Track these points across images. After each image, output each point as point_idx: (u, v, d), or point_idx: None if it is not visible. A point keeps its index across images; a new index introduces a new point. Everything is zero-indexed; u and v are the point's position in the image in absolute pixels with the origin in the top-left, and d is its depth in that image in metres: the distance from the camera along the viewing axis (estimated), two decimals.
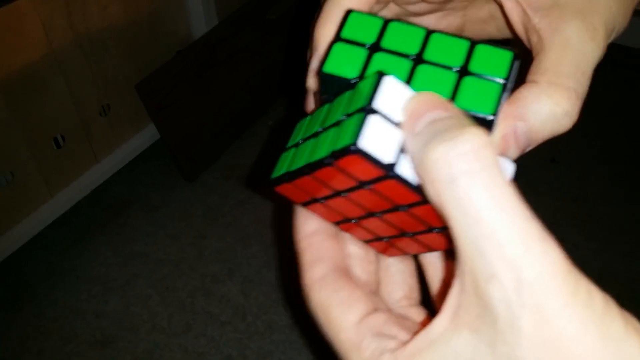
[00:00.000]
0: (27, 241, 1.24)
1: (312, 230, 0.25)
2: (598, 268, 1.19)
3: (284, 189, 0.24)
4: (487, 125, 0.21)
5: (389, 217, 0.22)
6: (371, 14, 0.24)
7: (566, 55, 0.22)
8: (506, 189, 0.16)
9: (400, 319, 0.22)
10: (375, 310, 0.22)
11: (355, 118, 0.19)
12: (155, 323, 1.13)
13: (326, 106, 0.23)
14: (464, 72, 0.21)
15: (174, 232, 1.30)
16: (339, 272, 0.24)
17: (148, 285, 1.20)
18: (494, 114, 0.20)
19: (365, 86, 0.20)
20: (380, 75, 0.20)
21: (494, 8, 0.28)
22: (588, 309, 0.15)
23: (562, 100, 0.22)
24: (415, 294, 0.27)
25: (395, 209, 0.21)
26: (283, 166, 0.24)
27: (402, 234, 0.23)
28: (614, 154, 1.45)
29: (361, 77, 0.22)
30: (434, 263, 0.27)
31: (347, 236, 0.26)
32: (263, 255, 1.24)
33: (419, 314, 0.26)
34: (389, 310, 0.23)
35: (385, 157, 0.19)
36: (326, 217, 0.25)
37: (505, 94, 0.21)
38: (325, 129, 0.21)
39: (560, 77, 0.22)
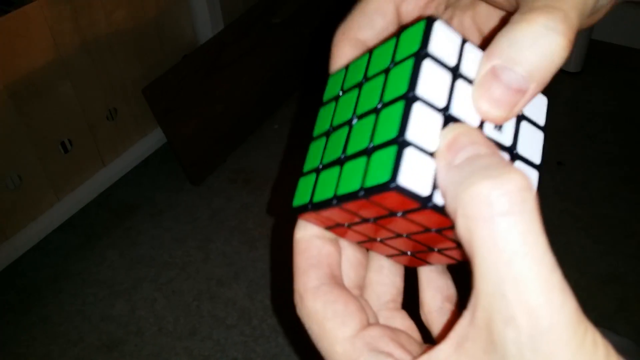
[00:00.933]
0: (34, 245, 1.25)
1: (311, 233, 0.25)
2: (604, 270, 1.19)
3: (308, 217, 0.24)
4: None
5: (418, 237, 0.22)
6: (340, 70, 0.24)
7: None
8: (539, 237, 0.16)
9: (393, 332, 0.22)
10: (369, 324, 0.22)
11: (389, 151, 0.18)
12: (161, 326, 1.13)
13: (353, 96, 0.22)
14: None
15: (179, 235, 1.31)
16: (334, 282, 0.23)
17: (154, 289, 1.20)
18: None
19: (393, 113, 0.19)
20: (410, 99, 0.19)
21: None
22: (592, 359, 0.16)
23: (554, 21, 0.18)
24: (400, 298, 0.27)
25: (426, 231, 0.21)
26: (305, 194, 0.23)
27: (430, 249, 0.23)
28: (619, 156, 1.45)
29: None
30: (433, 279, 0.26)
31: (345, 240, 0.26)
32: (269, 259, 1.24)
33: (403, 319, 0.26)
34: (382, 324, 0.23)
35: (423, 191, 0.18)
36: (350, 238, 0.25)
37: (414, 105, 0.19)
38: (352, 156, 0.21)
39: (538, 6, 0.19)
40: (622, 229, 1.27)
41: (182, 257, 1.26)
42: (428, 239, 0.22)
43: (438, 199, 0.19)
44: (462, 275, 0.23)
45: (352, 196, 0.20)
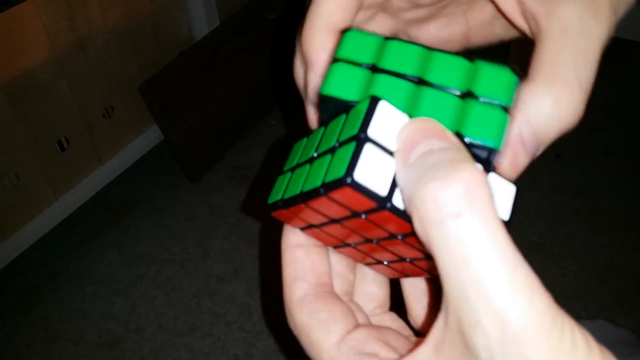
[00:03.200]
0: (32, 243, 1.25)
1: (297, 242, 0.25)
2: (604, 262, 1.19)
3: (281, 215, 0.24)
4: (492, 154, 0.20)
5: (386, 244, 0.22)
6: (369, 32, 0.22)
7: (565, 42, 0.20)
8: (495, 234, 0.15)
9: (379, 331, 0.22)
10: (355, 327, 0.22)
11: (349, 147, 0.18)
12: (162, 324, 1.13)
13: (321, 129, 0.22)
14: (468, 95, 0.20)
15: (178, 232, 1.31)
16: (319, 291, 0.23)
17: (153, 286, 1.20)
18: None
19: (359, 112, 0.19)
20: (374, 100, 0.19)
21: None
22: (570, 356, 0.15)
23: (564, 97, 0.20)
24: (388, 302, 0.27)
25: (391, 237, 0.21)
26: (279, 191, 0.23)
27: (401, 259, 0.23)
28: (618, 149, 1.45)
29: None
30: (416, 283, 0.26)
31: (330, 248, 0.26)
32: (268, 255, 1.24)
33: (392, 320, 0.26)
34: (369, 324, 0.23)
35: (380, 190, 0.18)
36: (324, 241, 0.25)
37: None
38: (319, 155, 0.21)
39: (559, 70, 0.20)
40: (622, 221, 1.27)
41: (181, 254, 1.26)
42: (396, 247, 0.22)
43: (398, 201, 0.18)
44: None
45: (314, 193, 0.19)
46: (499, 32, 0.26)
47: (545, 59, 0.20)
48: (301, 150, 0.24)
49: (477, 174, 0.16)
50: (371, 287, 0.27)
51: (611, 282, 1.16)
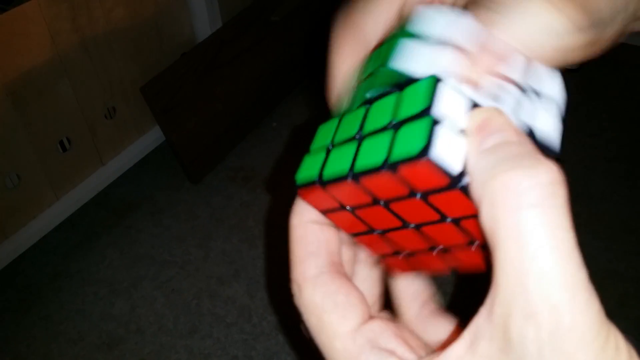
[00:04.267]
0: (33, 244, 1.25)
1: (308, 219, 0.23)
2: (604, 267, 1.19)
3: (309, 194, 0.22)
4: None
5: (428, 228, 0.21)
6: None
7: None
8: (568, 233, 0.16)
9: (397, 327, 0.21)
10: (371, 317, 0.21)
11: (420, 124, 0.18)
12: (162, 325, 1.13)
13: (361, 110, 0.22)
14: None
15: (179, 233, 1.31)
16: (335, 270, 0.22)
17: (154, 287, 1.20)
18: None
19: (418, 90, 0.19)
20: (436, 79, 0.19)
21: None
22: None
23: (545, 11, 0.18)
24: (381, 301, 0.26)
25: (441, 220, 0.20)
26: (312, 170, 0.22)
27: (431, 248, 0.22)
28: (617, 153, 1.45)
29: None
30: (407, 286, 0.26)
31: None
32: (269, 256, 1.25)
33: (388, 319, 0.25)
34: (384, 317, 0.22)
35: (454, 168, 0.18)
36: (347, 227, 0.23)
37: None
38: (370, 134, 0.20)
39: None
40: (621, 226, 1.27)
41: (182, 256, 1.26)
42: (438, 232, 0.21)
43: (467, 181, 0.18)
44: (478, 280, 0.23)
45: (374, 170, 0.19)
46: None
47: None
48: (333, 130, 0.23)
49: (559, 172, 0.16)
50: (363, 284, 0.25)
51: (611, 286, 1.16)
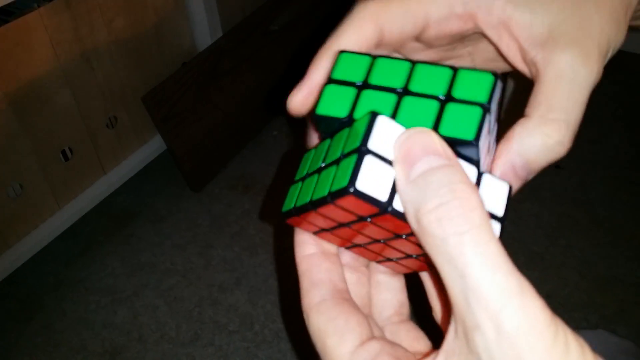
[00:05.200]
0: (35, 253, 1.25)
1: (310, 252, 0.26)
2: (604, 272, 1.19)
3: (294, 222, 0.25)
4: (469, 146, 0.21)
5: (393, 243, 0.23)
6: (360, 53, 0.25)
7: (559, 86, 0.23)
8: (490, 247, 0.18)
9: (393, 347, 0.23)
10: (370, 338, 0.23)
11: (351, 159, 0.20)
12: (164, 333, 1.14)
13: (327, 140, 0.24)
14: (447, 99, 0.22)
15: (180, 242, 1.31)
16: (337, 298, 0.24)
17: (156, 296, 1.20)
18: (476, 138, 0.21)
19: (359, 126, 0.21)
20: (374, 115, 0.21)
21: None
22: (564, 358, 0.17)
23: (554, 133, 0.23)
24: (406, 309, 0.28)
25: (396, 237, 0.22)
26: (292, 200, 0.25)
27: (408, 255, 0.24)
28: (617, 159, 1.46)
29: (351, 115, 0.23)
30: (437, 281, 0.27)
31: (343, 260, 0.27)
32: (270, 264, 1.25)
33: (408, 331, 0.27)
34: (383, 338, 0.24)
35: (381, 197, 0.20)
36: (336, 243, 0.26)
37: (489, 116, 0.22)
38: (326, 166, 0.22)
39: (552, 111, 0.23)
40: (621, 232, 1.28)
41: (183, 264, 1.27)
42: (402, 245, 0.23)
43: (398, 205, 0.20)
44: None
45: (322, 201, 0.21)
46: (502, 67, 0.28)
47: (541, 100, 0.23)
48: (310, 161, 0.25)
49: (472, 196, 0.18)
50: (385, 294, 0.28)
51: (611, 292, 1.16)
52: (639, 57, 1.70)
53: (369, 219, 0.21)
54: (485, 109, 0.21)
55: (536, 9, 0.24)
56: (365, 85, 0.23)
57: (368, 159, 0.20)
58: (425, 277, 0.27)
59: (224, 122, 1.45)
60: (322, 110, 0.23)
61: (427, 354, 0.22)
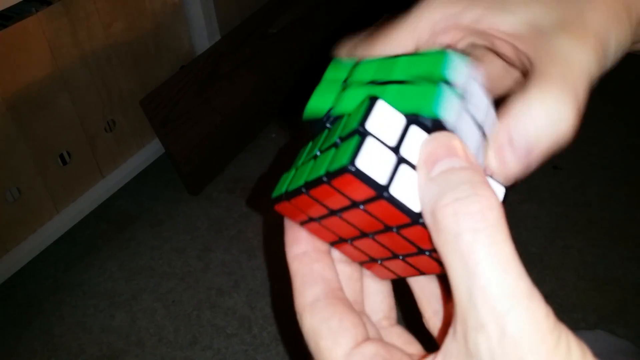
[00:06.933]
0: (34, 257, 1.25)
1: (301, 251, 0.25)
2: (602, 273, 1.20)
3: (283, 208, 0.25)
4: (437, 123, 0.21)
5: (381, 238, 0.23)
6: (346, 60, 0.26)
7: (555, 61, 0.22)
8: (504, 248, 0.17)
9: (387, 350, 0.23)
10: (365, 340, 0.22)
11: (351, 141, 0.20)
12: (162, 337, 1.14)
13: (325, 132, 0.24)
14: (410, 81, 0.22)
15: (179, 245, 1.31)
16: (330, 297, 0.24)
17: (154, 299, 1.20)
18: (439, 111, 0.20)
19: (358, 111, 0.21)
20: (373, 99, 0.21)
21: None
22: None
23: (559, 105, 0.21)
24: (394, 314, 0.27)
25: (386, 229, 0.22)
26: (283, 185, 0.24)
27: (394, 255, 0.24)
28: (615, 160, 1.46)
29: (333, 106, 0.24)
30: (425, 286, 0.27)
31: (335, 255, 0.26)
32: (268, 267, 1.25)
33: (399, 335, 0.26)
34: (378, 340, 0.23)
35: (379, 179, 0.19)
36: (322, 237, 0.25)
37: (452, 91, 0.21)
38: (322, 152, 0.22)
39: (551, 80, 0.21)
40: (619, 232, 1.28)
41: (181, 267, 1.27)
42: (392, 243, 0.23)
43: (395, 192, 0.20)
44: None
45: (317, 182, 0.21)
46: (511, 84, 0.28)
47: (536, 75, 0.22)
48: (305, 153, 0.25)
49: (492, 196, 0.18)
50: (374, 298, 0.27)
51: (610, 293, 1.16)
52: (636, 57, 1.70)
53: (361, 206, 0.21)
54: (446, 85, 0.21)
55: (516, 10, 0.23)
56: (346, 81, 0.24)
57: (369, 141, 0.20)
58: (414, 283, 0.27)
59: (222, 125, 1.45)
60: (308, 113, 0.24)
61: (422, 357, 0.22)
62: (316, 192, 0.22)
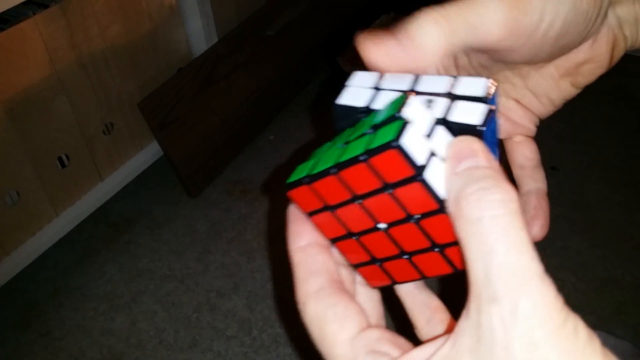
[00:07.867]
0: (33, 260, 1.25)
1: (305, 243, 0.26)
2: (601, 274, 1.20)
3: (297, 194, 0.25)
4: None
5: (395, 231, 0.23)
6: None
7: None
8: (520, 232, 0.19)
9: (392, 335, 0.23)
10: (369, 326, 0.23)
11: (392, 125, 0.21)
12: (162, 339, 1.14)
13: (347, 130, 0.25)
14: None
15: (178, 248, 1.31)
16: (334, 286, 0.24)
17: (154, 302, 1.20)
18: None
19: (393, 105, 0.22)
20: (407, 94, 0.22)
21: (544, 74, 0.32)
22: (572, 341, 0.18)
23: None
24: (383, 322, 0.28)
25: (405, 220, 0.22)
26: (302, 172, 0.25)
27: (399, 254, 0.24)
28: (612, 161, 1.46)
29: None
30: (416, 295, 0.28)
31: (335, 255, 0.27)
32: (267, 269, 1.25)
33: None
34: (381, 326, 0.24)
35: (419, 159, 0.21)
36: (327, 231, 0.26)
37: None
38: (355, 139, 0.23)
39: None
40: (618, 233, 1.28)
41: (181, 270, 1.27)
42: (404, 235, 0.23)
43: (429, 176, 0.21)
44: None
45: (351, 161, 0.22)
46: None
47: None
48: (325, 148, 0.26)
49: (512, 190, 0.20)
50: (364, 305, 0.27)
51: (608, 293, 1.16)
52: (634, 58, 1.70)
53: (390, 189, 0.22)
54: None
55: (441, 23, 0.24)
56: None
57: (410, 127, 0.21)
58: (405, 295, 0.28)
59: (220, 128, 1.45)
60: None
61: (432, 338, 0.22)
62: (347, 172, 0.22)
